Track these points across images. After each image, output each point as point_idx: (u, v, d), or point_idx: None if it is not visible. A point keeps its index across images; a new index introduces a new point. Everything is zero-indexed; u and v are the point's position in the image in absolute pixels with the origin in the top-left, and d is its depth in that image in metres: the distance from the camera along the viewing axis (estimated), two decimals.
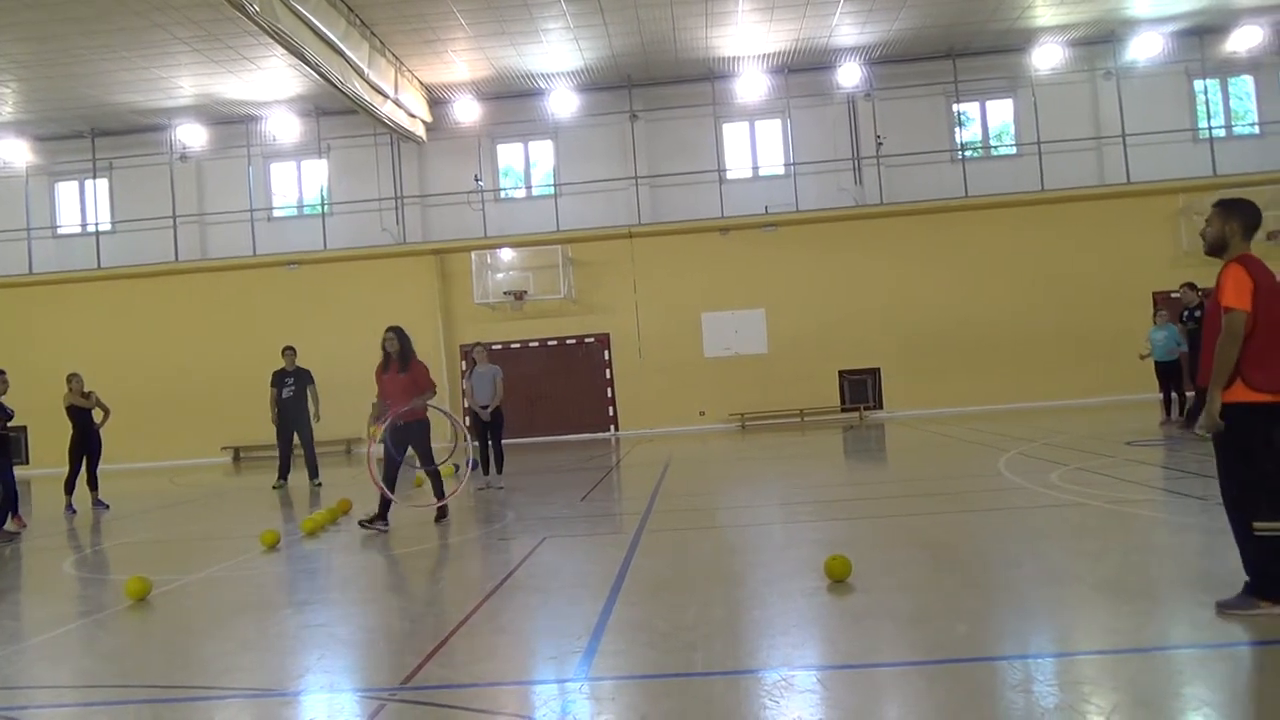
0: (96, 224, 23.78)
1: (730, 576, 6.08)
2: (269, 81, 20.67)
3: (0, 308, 22.66)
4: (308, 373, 14.59)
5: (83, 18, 16.80)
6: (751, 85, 21.58)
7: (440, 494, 9.31)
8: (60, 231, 23.96)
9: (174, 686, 4.47)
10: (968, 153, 22.17)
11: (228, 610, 6.29)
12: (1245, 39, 20.70)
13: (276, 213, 23.64)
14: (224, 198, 23.31)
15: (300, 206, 23.79)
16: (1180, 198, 20.61)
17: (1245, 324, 4.34)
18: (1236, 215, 4.60)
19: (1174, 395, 14.09)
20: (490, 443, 12.06)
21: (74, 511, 12.41)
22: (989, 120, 22.53)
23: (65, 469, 12.74)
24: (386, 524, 8.80)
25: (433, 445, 9.76)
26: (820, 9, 18.68)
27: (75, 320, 22.38)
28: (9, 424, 10.69)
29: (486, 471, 12.03)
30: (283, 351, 14.63)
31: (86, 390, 12.72)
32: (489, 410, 11.93)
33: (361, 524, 8.80)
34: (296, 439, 14.39)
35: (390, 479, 8.91)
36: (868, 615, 5.00)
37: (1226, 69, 21.67)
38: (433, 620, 5.36)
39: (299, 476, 14.40)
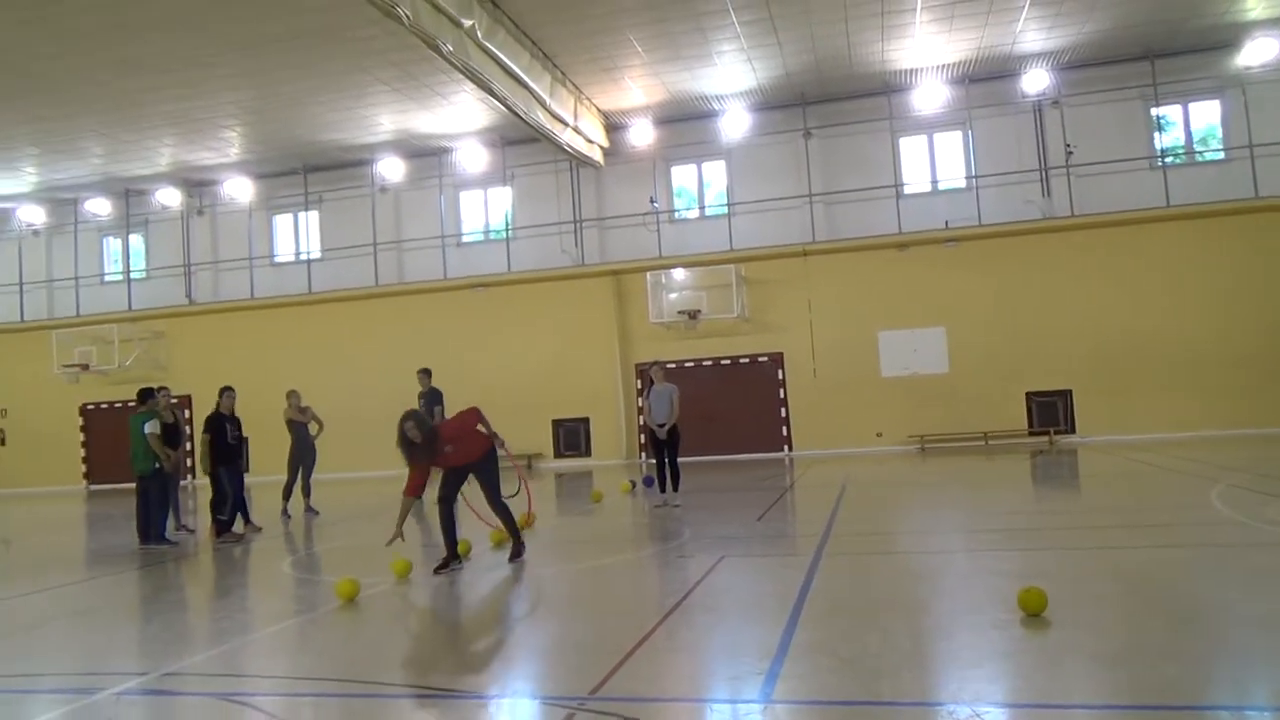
0: (308, 252, 25.89)
1: (914, 604, 5.94)
2: (459, 115, 21.92)
3: (226, 330, 25.09)
4: (440, 393, 15.17)
5: (295, 65, 18.41)
6: (930, 97, 21.01)
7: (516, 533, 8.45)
8: (277, 260, 26.22)
9: (379, 683, 4.83)
10: (1168, 159, 20.68)
11: (427, 615, 6.71)
12: None
13: (465, 238, 24.97)
14: (418, 225, 24.86)
15: (486, 232, 25.03)
16: None
17: None
18: None
19: None
20: (667, 460, 12.20)
21: (289, 517, 13.54)
22: (1192, 124, 20.93)
23: (281, 476, 13.95)
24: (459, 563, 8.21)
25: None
26: (1003, 15, 17.99)
27: (290, 340, 24.43)
28: (238, 434, 11.85)
29: (663, 489, 12.20)
30: (419, 373, 15.38)
31: (303, 405, 13.88)
32: (665, 429, 12.08)
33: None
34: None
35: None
36: (1065, 652, 4.77)
37: None
38: (616, 634, 5.53)
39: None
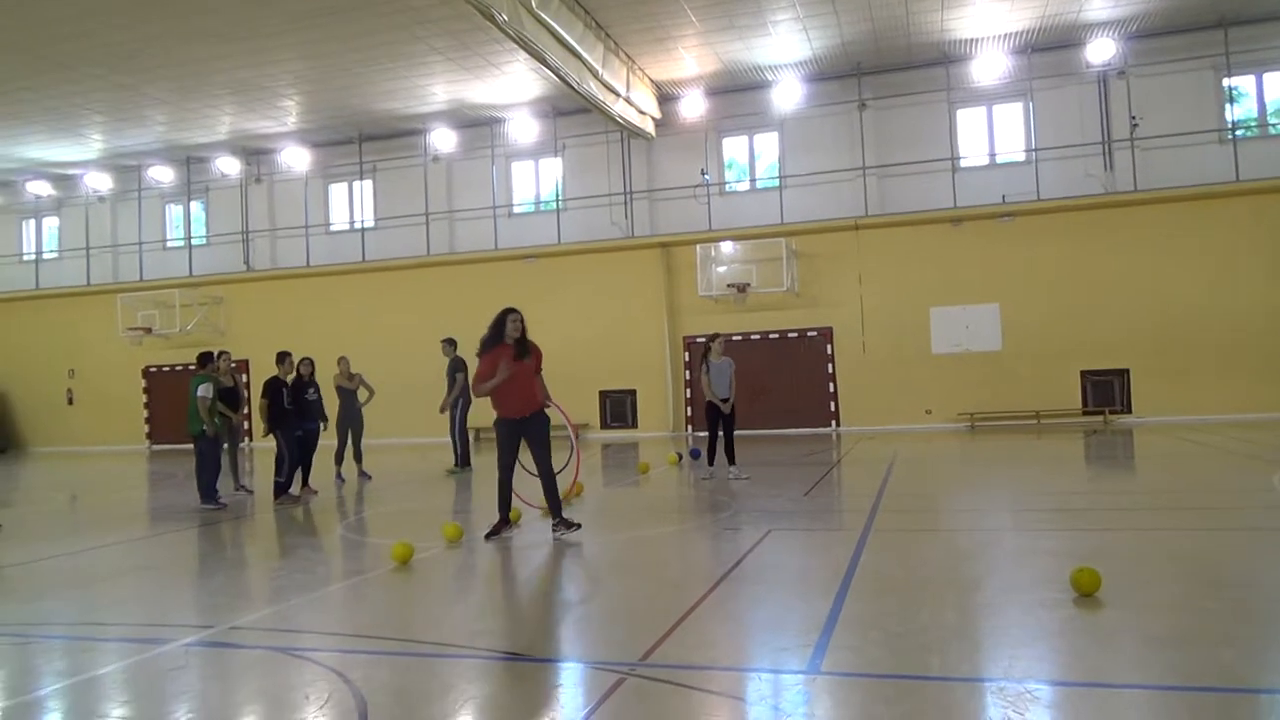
0: (362, 221, 26.21)
1: (964, 581, 5.91)
2: (511, 85, 21.94)
3: (282, 296, 25.57)
4: (463, 362, 14.54)
5: (352, 34, 18.57)
6: (990, 67, 20.53)
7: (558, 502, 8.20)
8: (332, 228, 26.59)
9: (432, 643, 4.95)
10: (1239, 132, 19.98)
11: (479, 579, 6.85)
12: None
13: (516, 209, 25.07)
14: (470, 195, 25.01)
15: (537, 203, 25.10)
16: None
17: None
18: None
19: None
20: (724, 434, 12.12)
21: (342, 480, 13.85)
22: (1265, 95, 20.19)
23: (333, 442, 14.24)
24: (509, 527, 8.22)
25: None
26: None
27: (343, 307, 24.83)
28: (305, 398, 12.12)
29: (712, 463, 12.19)
30: (443, 342, 14.79)
31: (353, 371, 14.13)
32: (729, 403, 11.96)
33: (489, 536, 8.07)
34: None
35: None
36: (1119, 632, 4.73)
37: None
38: (666, 603, 5.60)
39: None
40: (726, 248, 22.08)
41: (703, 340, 13.18)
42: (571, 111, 22.97)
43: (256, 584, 7.11)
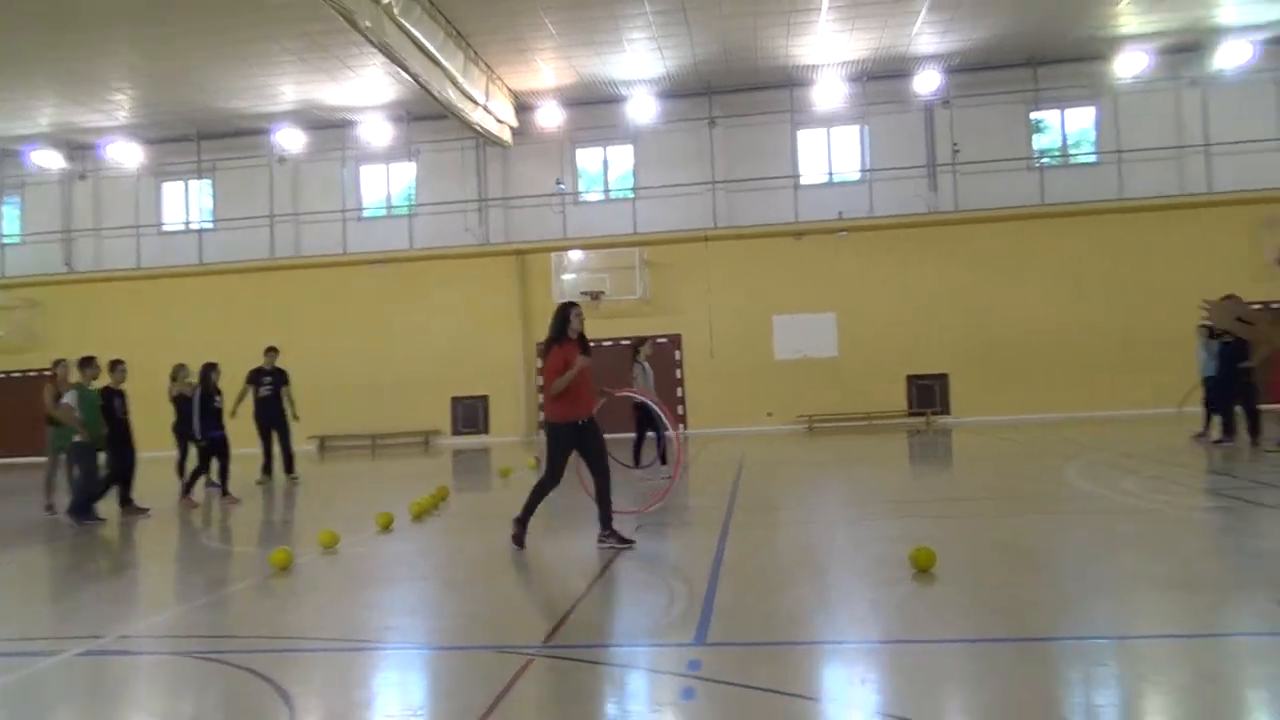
0: (200, 222, 25.14)
1: (817, 565, 6.60)
2: (365, 88, 21.68)
3: (110, 300, 24.18)
4: (285, 373, 14.66)
5: (196, 29, 17.90)
6: (829, 92, 21.93)
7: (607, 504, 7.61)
8: (165, 229, 25.36)
9: (342, 639, 5.15)
10: (1045, 160, 22.19)
11: (366, 580, 7.01)
12: None
13: (366, 213, 24.71)
14: (318, 198, 24.47)
15: (389, 207, 24.83)
16: (1266, 208, 20.40)
17: None
18: None
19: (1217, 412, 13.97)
20: (656, 434, 12.24)
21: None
22: (1067, 128, 22.52)
23: (170, 453, 13.74)
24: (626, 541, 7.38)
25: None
26: (902, 18, 18.96)
27: (179, 312, 23.74)
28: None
29: (637, 465, 12.26)
30: (265, 351, 14.74)
31: (191, 380, 13.66)
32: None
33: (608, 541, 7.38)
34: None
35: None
36: (952, 601, 5.48)
37: None
38: (554, 593, 5.99)
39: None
40: (576, 255, 22.58)
41: (628, 344, 13.36)
42: (426, 116, 22.89)
43: (137, 593, 7.00)
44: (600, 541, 7.37)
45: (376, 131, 23.75)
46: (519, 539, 7.52)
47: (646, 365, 12.43)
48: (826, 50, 20.57)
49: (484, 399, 23.37)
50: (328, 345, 22.74)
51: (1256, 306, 13.86)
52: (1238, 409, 13.18)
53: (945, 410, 21.70)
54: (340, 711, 4.06)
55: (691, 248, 22.41)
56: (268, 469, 14.42)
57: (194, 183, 25.17)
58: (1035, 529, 7.87)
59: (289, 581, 6.85)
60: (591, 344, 7.79)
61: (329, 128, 24.00)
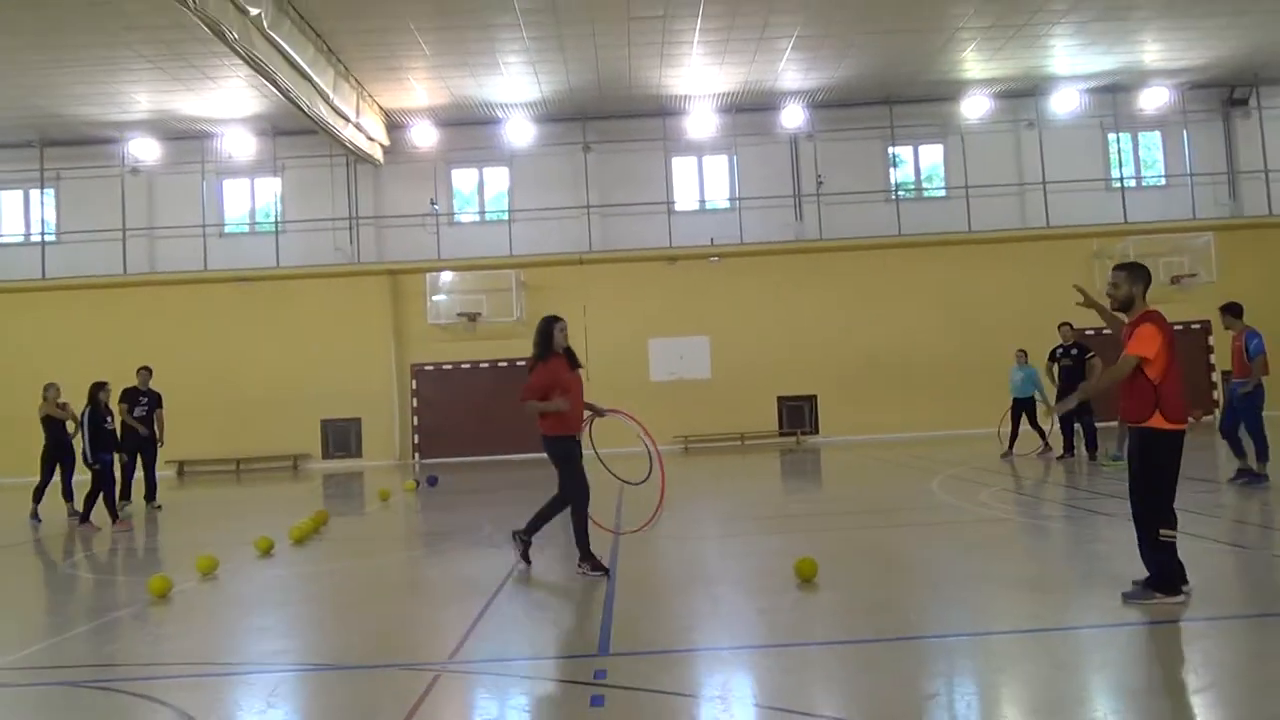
0: (42, 234, 23.63)
1: (707, 577, 6.86)
2: (227, 99, 20.96)
3: None
4: (159, 395, 14.17)
5: (39, 30, 16.93)
6: (701, 122, 22.64)
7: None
8: (2, 240, 23.71)
9: (237, 663, 5.05)
10: (901, 194, 23.54)
11: (254, 604, 6.83)
12: (1154, 98, 22.57)
13: (228, 229, 23.80)
14: (175, 212, 23.40)
15: (253, 224, 24.01)
16: (1094, 242, 22.26)
17: (1135, 367, 5.33)
18: (1140, 278, 5.61)
19: (1019, 430, 15.30)
20: None
21: (39, 521, 12.59)
22: (921, 163, 23.97)
23: (33, 477, 12.93)
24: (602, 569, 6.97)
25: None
26: (768, 55, 19.81)
27: (17, 329, 22.20)
28: None
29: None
30: (138, 371, 14.16)
31: (62, 401, 12.92)
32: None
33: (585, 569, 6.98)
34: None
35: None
36: (833, 606, 5.83)
37: (1137, 124, 23.49)
38: (456, 611, 6.02)
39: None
40: (446, 277, 22.39)
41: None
42: (293, 131, 22.29)
43: (7, 624, 6.60)
44: (579, 567, 6.94)
45: (239, 145, 22.97)
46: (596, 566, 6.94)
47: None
48: (698, 82, 21.25)
49: (356, 421, 22.80)
50: (186, 365, 21.65)
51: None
52: (1077, 426, 14.33)
53: (814, 430, 22.57)
54: None
55: (568, 270, 22.61)
56: (127, 494, 13.69)
57: (35, 192, 23.64)
58: (904, 538, 8.40)
59: (170, 609, 6.61)
60: (459, 365, 7.81)
61: (187, 139, 23.04)
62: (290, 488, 17.84)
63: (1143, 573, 5.48)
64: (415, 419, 22.84)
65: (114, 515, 11.84)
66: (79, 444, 11.99)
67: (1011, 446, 15.36)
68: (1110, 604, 5.40)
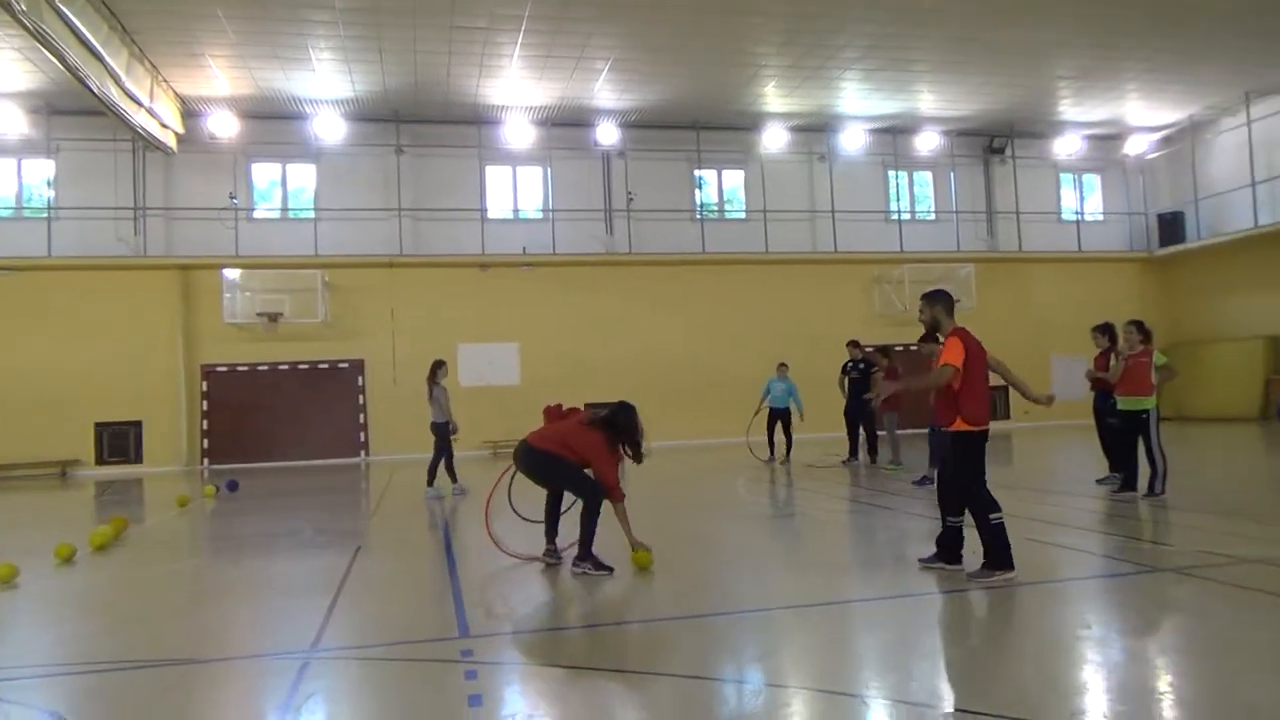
0: None
1: (550, 569, 7.22)
2: None
3: None
4: None
5: None
6: (517, 133, 22.93)
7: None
8: None
9: (91, 663, 4.90)
10: (705, 214, 24.83)
11: (76, 606, 6.50)
12: (927, 141, 25.11)
13: None
14: None
15: (18, 207, 21.96)
16: (875, 268, 24.44)
17: (951, 376, 6.16)
18: (937, 300, 6.52)
19: (779, 439, 16.61)
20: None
21: None
22: (724, 186, 25.40)
23: None
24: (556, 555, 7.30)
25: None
26: (585, 74, 20.43)
27: None
28: None
29: (431, 482, 13.23)
30: None
31: None
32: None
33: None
34: None
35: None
36: (662, 589, 6.36)
37: (912, 164, 26.00)
38: (303, 606, 6.05)
39: None
40: (257, 275, 21.43)
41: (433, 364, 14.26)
42: (70, 111, 20.65)
43: None
44: (574, 567, 6.94)
45: (7, 121, 20.98)
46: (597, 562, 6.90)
47: (445, 385, 13.40)
48: (515, 94, 21.55)
49: (136, 425, 21.30)
50: None
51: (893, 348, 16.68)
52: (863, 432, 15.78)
53: None
54: None
55: (376, 273, 22.23)
56: None
57: None
58: (717, 528, 9.10)
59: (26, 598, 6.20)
60: (249, 369, 7.82)
61: None
62: (64, 495, 16.49)
63: (921, 551, 6.39)
64: (205, 422, 21.65)
65: None
66: None
67: (773, 453, 16.49)
68: (897, 577, 6.25)
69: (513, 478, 7.63)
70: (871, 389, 14.47)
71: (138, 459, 21.32)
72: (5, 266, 20.75)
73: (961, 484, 6.29)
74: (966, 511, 6.29)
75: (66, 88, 17.93)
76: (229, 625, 5.74)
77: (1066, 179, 27.30)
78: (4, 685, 4.46)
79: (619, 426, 7.19)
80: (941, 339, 6.55)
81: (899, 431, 14.84)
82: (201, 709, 4.22)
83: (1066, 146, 25.98)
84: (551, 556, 7.25)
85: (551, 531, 7.39)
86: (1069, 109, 24.32)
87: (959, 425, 6.22)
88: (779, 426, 16.63)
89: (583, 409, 7.84)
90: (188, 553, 8.77)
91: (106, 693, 4.44)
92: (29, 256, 21.03)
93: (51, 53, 15.12)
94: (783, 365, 17.31)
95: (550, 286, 23.05)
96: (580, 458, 6.99)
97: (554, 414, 7.71)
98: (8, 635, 5.79)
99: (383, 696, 4.20)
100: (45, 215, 21.53)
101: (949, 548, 6.41)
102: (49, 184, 21.72)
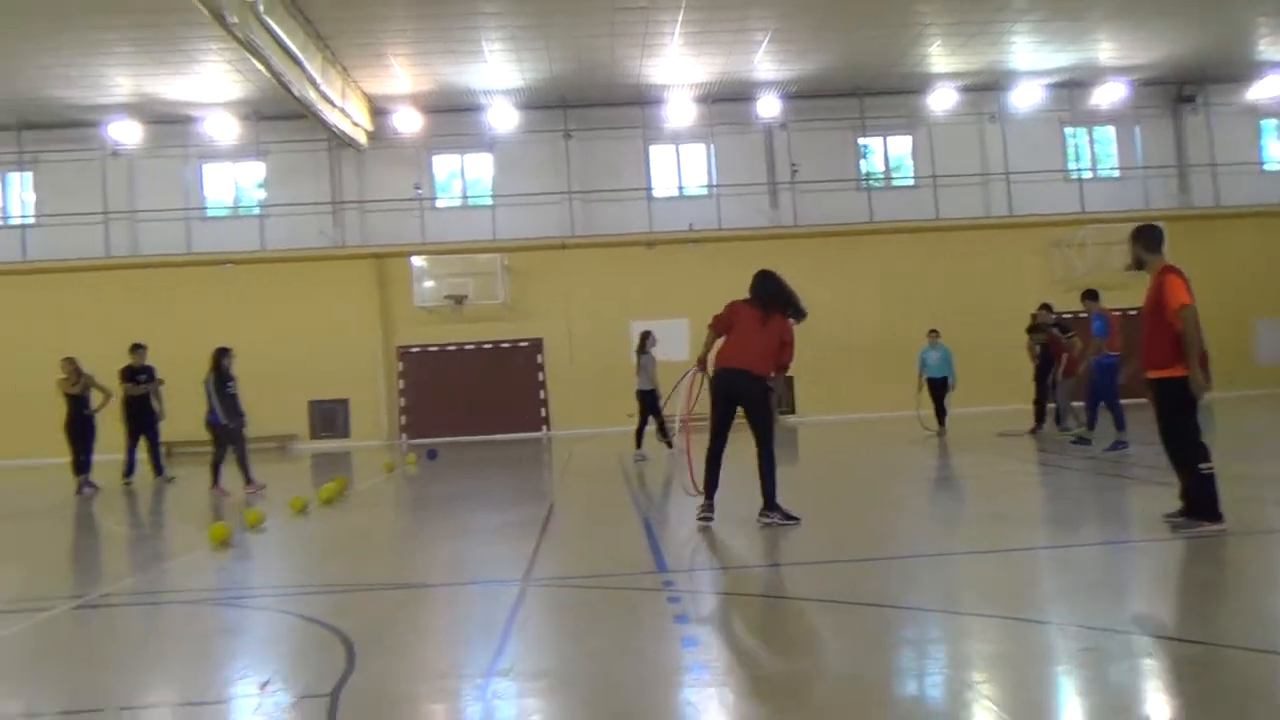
0: (21, 216, 23.64)
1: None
2: (208, 83, 21.15)
3: None
4: (154, 369, 14.52)
5: (18, 11, 16.98)
6: (679, 111, 23.30)
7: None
8: None
9: (349, 584, 5.65)
10: (870, 183, 24.43)
11: (325, 541, 7.39)
12: (1109, 94, 23.70)
13: (211, 212, 23.99)
14: (155, 195, 23.51)
15: (236, 207, 24.22)
16: (1054, 230, 23.34)
17: (1197, 315, 5.81)
18: (1141, 238, 6.30)
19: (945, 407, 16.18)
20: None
21: (95, 488, 12.98)
22: (890, 153, 24.88)
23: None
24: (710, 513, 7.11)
25: None
26: (744, 47, 20.53)
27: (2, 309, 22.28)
28: None
29: (639, 445, 14.13)
30: (131, 349, 14.45)
31: (87, 371, 13.25)
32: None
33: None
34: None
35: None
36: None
37: (1092, 119, 24.61)
38: (512, 546, 6.67)
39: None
40: (443, 261, 22.76)
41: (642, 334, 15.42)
42: (274, 116, 22.56)
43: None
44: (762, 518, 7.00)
45: (222, 129, 23.17)
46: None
47: (654, 354, 14.42)
48: (676, 72, 21.90)
49: (344, 403, 23.20)
50: (171, 349, 21.78)
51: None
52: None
53: (791, 410, 23.36)
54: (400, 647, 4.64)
55: (550, 254, 23.18)
56: (130, 470, 14.06)
57: (14, 174, 23.63)
58: (914, 491, 9.18)
59: (259, 545, 7.18)
60: (445, 347, 8.37)
61: (169, 123, 23.16)
62: (283, 466, 18.22)
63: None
64: (402, 400, 23.29)
65: (248, 478, 12.17)
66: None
67: (943, 423, 16.07)
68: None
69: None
70: (1067, 351, 13.97)
71: (345, 433, 23.19)
72: (226, 261, 22.96)
73: (1181, 429, 5.97)
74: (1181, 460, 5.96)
75: (270, 94, 19.65)
76: (449, 559, 6.43)
77: (1268, 126, 25.09)
78: (273, 598, 5.23)
79: (771, 295, 7.58)
80: (1148, 274, 6.18)
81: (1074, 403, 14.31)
82: (436, 620, 4.82)
83: (1268, 90, 23.88)
84: (709, 513, 7.03)
85: (713, 487, 7.19)
86: (1269, 48, 22.35)
87: (1178, 370, 5.88)
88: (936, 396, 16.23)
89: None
90: (403, 507, 9.67)
91: (351, 607, 5.12)
92: (245, 251, 23.20)
93: (259, 60, 16.67)
94: (933, 332, 16.89)
95: (717, 261, 23.27)
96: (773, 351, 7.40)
97: (721, 325, 7.84)
98: (266, 565, 6.69)
99: (596, 615, 4.67)
100: (257, 213, 23.67)
101: (1204, 501, 5.88)
102: (259, 186, 23.86)
